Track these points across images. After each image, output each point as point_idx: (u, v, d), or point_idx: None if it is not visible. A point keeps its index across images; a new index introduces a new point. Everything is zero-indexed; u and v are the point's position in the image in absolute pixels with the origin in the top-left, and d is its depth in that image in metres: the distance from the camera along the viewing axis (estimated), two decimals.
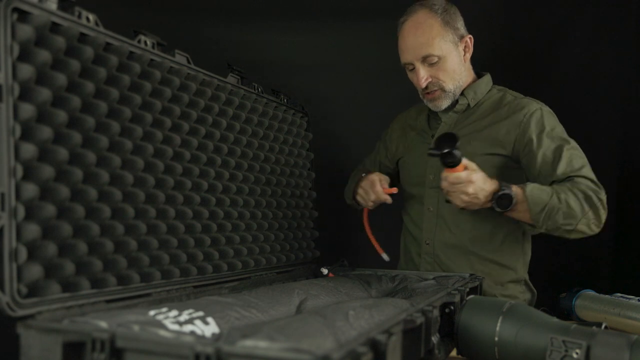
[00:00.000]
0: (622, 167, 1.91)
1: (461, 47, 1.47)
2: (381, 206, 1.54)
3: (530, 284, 1.55)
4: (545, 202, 1.30)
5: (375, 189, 1.47)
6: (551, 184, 1.37)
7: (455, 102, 1.51)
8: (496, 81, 1.59)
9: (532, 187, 1.31)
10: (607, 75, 1.90)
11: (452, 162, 1.26)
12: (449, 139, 1.24)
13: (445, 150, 1.23)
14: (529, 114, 1.43)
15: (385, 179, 1.51)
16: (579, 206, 1.31)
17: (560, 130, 1.42)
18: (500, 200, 1.30)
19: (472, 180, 1.27)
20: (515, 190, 1.31)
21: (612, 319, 1.25)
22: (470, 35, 1.48)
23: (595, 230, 1.35)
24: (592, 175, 1.37)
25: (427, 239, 1.53)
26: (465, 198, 1.29)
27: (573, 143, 1.41)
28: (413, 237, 1.59)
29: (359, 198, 1.55)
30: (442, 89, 1.46)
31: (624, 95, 1.89)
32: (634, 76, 1.87)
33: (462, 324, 0.92)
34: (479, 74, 1.56)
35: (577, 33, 1.94)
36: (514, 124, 1.43)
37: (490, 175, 1.35)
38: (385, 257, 1.51)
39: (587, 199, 1.32)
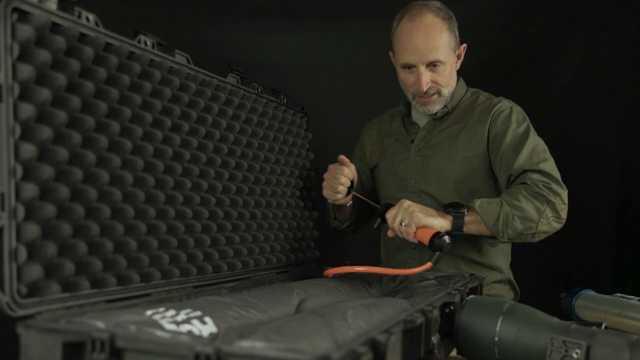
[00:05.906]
0: (623, 167, 1.91)
1: (456, 54, 1.48)
2: None
3: (515, 283, 1.56)
4: (497, 212, 1.30)
5: (341, 171, 1.42)
6: (508, 179, 1.38)
7: None
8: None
9: (480, 201, 1.32)
10: (608, 75, 1.90)
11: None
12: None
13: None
14: (498, 111, 1.45)
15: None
16: (533, 207, 1.30)
17: (525, 127, 1.42)
18: (454, 211, 1.32)
19: (407, 205, 1.32)
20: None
21: (612, 319, 1.25)
22: (465, 44, 1.49)
23: (557, 226, 1.34)
24: (551, 170, 1.34)
25: (413, 244, 1.47)
26: (417, 216, 1.30)
27: (536, 138, 1.41)
28: (395, 246, 1.56)
29: (325, 194, 1.47)
30: (439, 93, 1.46)
31: (625, 95, 1.89)
32: (635, 76, 1.87)
33: (462, 324, 0.92)
34: None
35: (577, 34, 1.94)
36: (484, 122, 1.45)
37: (474, 178, 1.41)
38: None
39: (538, 196, 1.30)
